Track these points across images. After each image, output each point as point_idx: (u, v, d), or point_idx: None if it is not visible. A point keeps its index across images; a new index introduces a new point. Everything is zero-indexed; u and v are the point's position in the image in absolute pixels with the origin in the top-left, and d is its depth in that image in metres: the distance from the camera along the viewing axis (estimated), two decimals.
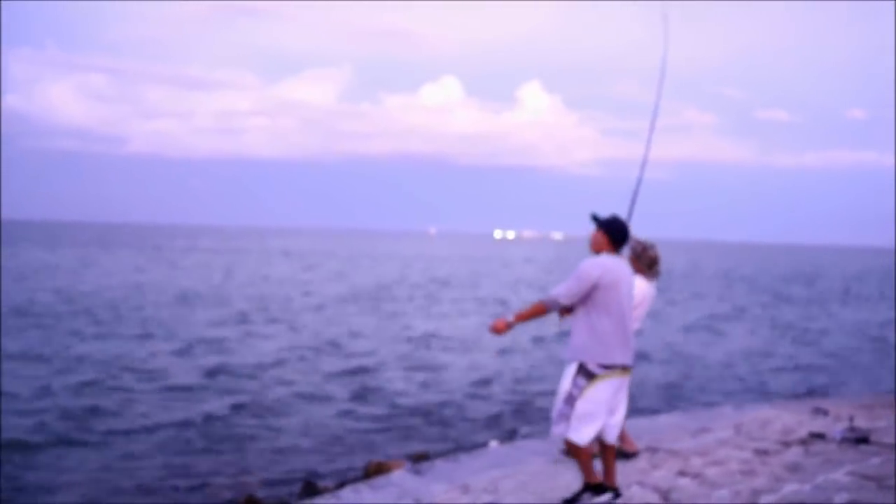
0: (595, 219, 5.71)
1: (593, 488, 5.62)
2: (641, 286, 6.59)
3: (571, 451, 5.61)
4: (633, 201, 6.72)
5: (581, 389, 5.45)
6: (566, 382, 5.52)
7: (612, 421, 5.63)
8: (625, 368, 5.55)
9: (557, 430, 5.55)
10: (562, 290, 5.46)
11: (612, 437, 5.68)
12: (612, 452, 5.77)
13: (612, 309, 5.46)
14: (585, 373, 5.45)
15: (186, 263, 57.06)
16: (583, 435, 5.49)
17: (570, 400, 5.48)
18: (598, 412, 5.48)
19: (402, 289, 40.29)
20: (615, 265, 5.57)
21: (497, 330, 5.55)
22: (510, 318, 5.54)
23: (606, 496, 5.59)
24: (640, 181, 6.77)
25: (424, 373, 16.83)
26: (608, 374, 5.47)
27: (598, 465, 5.72)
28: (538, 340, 21.08)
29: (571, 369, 5.51)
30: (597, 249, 5.67)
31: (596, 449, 5.78)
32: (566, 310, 5.60)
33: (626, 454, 6.90)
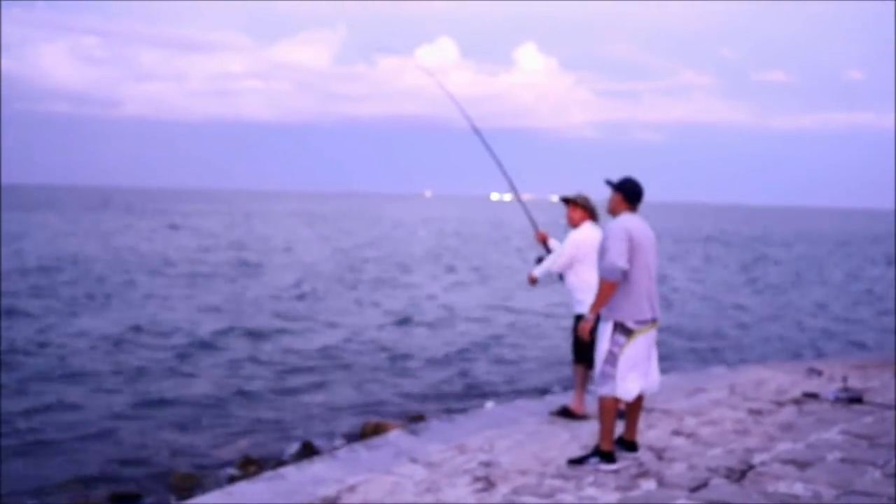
0: (609, 183, 5.82)
1: (604, 454, 5.68)
2: (597, 233, 6.73)
3: (602, 412, 5.67)
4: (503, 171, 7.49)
5: (621, 347, 5.56)
6: (605, 342, 5.61)
7: (649, 375, 5.77)
8: (654, 321, 5.69)
9: (604, 390, 5.64)
10: (612, 256, 5.50)
11: (647, 389, 5.83)
12: (639, 405, 5.92)
13: (641, 266, 5.56)
14: (623, 330, 5.56)
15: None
16: (630, 391, 5.64)
17: (612, 358, 5.58)
18: (639, 367, 5.63)
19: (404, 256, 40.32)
20: (637, 223, 5.67)
21: (586, 333, 5.79)
22: (589, 315, 5.73)
23: (614, 466, 5.65)
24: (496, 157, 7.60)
25: (421, 336, 16.91)
26: (643, 329, 5.60)
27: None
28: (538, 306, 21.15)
29: (608, 328, 5.60)
30: (615, 211, 5.80)
31: (624, 406, 5.91)
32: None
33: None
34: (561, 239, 7.27)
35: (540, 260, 7.29)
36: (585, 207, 6.96)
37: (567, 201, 7.01)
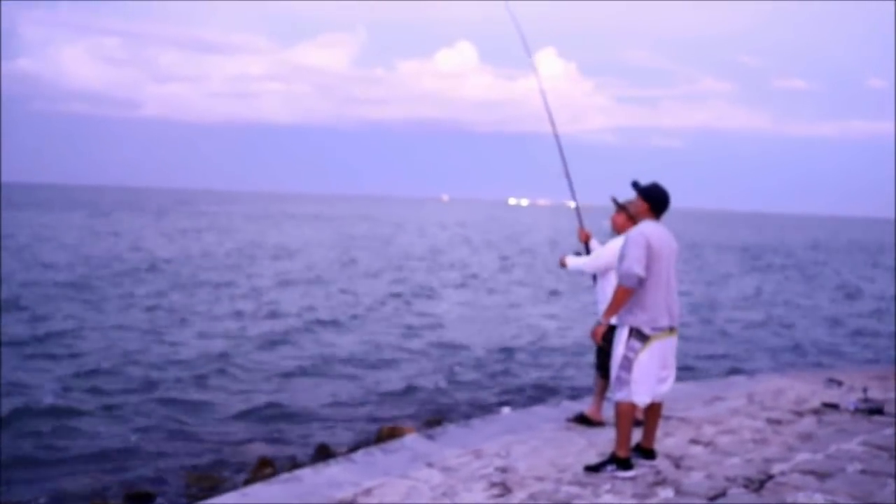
0: (635, 186, 5.78)
1: (620, 461, 5.66)
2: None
3: (619, 418, 5.65)
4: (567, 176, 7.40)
5: (636, 352, 5.55)
6: (620, 347, 5.61)
7: (664, 381, 5.75)
8: (672, 329, 5.66)
9: (620, 395, 5.64)
10: (629, 262, 5.49)
11: (661, 396, 5.80)
12: (657, 412, 5.89)
13: (659, 273, 5.54)
14: (639, 335, 5.55)
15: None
16: (643, 396, 5.62)
17: (627, 364, 5.57)
18: (653, 373, 5.61)
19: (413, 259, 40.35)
20: (658, 231, 5.65)
21: (598, 337, 5.82)
22: (602, 320, 5.75)
23: (631, 472, 5.63)
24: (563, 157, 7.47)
25: (436, 342, 16.89)
26: (659, 336, 5.59)
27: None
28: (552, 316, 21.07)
29: (623, 334, 5.60)
30: (638, 216, 5.82)
31: (641, 414, 5.88)
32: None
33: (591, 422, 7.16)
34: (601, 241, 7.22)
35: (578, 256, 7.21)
36: (633, 217, 6.78)
37: (617, 204, 6.81)
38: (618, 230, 6.79)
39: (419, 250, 44.48)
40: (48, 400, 10.93)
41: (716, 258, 47.17)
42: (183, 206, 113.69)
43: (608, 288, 6.70)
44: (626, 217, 6.73)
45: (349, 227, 69.08)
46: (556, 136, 7.71)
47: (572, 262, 7.03)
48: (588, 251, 7.25)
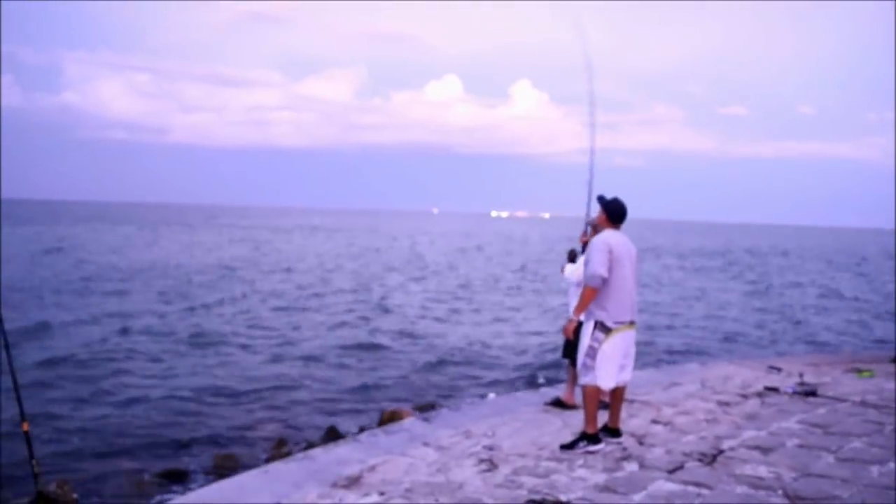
0: (600, 199, 5.83)
1: (590, 437, 5.66)
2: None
3: (586, 399, 5.65)
4: (590, 184, 7.04)
5: (600, 342, 5.56)
6: (586, 338, 5.62)
7: (625, 368, 5.73)
8: (631, 323, 5.68)
9: (585, 379, 5.65)
10: (595, 265, 5.50)
11: (623, 382, 5.78)
12: (620, 396, 5.87)
13: (619, 275, 5.56)
14: (603, 328, 5.57)
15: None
16: (606, 381, 5.61)
17: (592, 352, 5.58)
18: (615, 360, 5.61)
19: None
20: (618, 238, 5.68)
21: (569, 333, 5.82)
22: (573, 317, 5.73)
23: (600, 445, 5.63)
24: (591, 166, 7.12)
25: (429, 335, 16.86)
26: (620, 328, 5.60)
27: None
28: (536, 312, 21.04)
29: (589, 327, 5.62)
30: (599, 226, 5.83)
31: (607, 397, 5.87)
32: None
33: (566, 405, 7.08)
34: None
35: (572, 256, 7.12)
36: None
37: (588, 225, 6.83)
38: (600, 226, 6.84)
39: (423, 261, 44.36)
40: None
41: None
42: (214, 219, 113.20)
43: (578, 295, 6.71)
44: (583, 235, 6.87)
45: (377, 240, 68.94)
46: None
47: (567, 269, 7.04)
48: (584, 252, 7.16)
